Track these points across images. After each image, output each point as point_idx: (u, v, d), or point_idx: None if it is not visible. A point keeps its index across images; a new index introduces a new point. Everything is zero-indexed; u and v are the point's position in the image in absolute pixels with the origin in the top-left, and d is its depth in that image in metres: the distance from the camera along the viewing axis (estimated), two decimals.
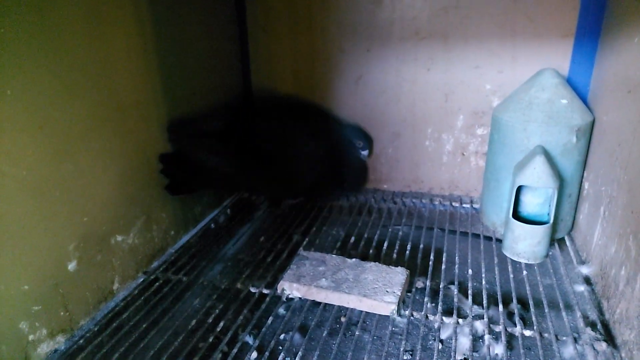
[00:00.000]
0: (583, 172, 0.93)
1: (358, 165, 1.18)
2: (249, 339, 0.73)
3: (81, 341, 0.70)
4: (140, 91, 0.82)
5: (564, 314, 0.74)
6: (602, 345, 0.66)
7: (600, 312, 0.75)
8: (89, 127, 0.71)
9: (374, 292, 0.75)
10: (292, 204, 1.16)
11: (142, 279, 0.85)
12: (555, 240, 0.95)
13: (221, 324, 0.73)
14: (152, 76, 0.85)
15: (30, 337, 0.63)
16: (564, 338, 0.69)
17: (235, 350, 0.68)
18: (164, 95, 0.88)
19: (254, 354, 0.69)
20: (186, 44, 0.95)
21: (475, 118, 1.10)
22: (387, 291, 0.75)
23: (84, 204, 0.71)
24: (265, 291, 0.81)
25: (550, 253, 0.91)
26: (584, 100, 0.94)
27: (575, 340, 0.68)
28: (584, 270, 0.85)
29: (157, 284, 0.84)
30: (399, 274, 0.79)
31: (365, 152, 1.15)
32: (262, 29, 1.17)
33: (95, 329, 0.72)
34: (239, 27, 1.17)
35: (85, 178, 0.71)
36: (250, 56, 1.20)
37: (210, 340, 0.70)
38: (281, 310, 0.79)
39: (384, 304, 0.73)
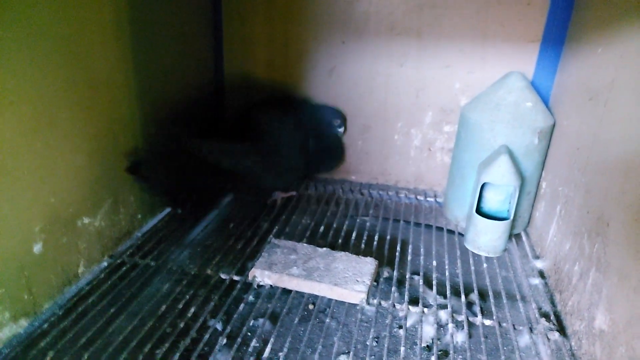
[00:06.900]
0: (541, 172, 0.98)
1: (335, 144, 1.24)
2: (219, 326, 0.73)
3: (45, 325, 0.68)
4: (112, 70, 0.79)
5: (520, 304, 0.79)
6: (555, 335, 0.71)
7: (553, 304, 0.80)
8: (60, 105, 0.68)
9: (345, 281, 0.77)
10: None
11: (107, 263, 0.83)
12: (512, 235, 1.00)
13: (191, 310, 0.73)
14: (125, 54, 0.82)
15: None
16: (521, 328, 0.73)
17: (206, 336, 0.68)
18: (135, 75, 0.86)
19: (224, 340, 0.69)
20: (160, 24, 0.93)
21: (443, 115, 1.14)
22: (357, 280, 0.77)
23: (52, 184, 0.69)
24: (235, 278, 0.82)
25: (508, 247, 0.96)
26: (545, 103, 0.99)
27: (531, 329, 0.73)
28: (539, 264, 0.90)
29: (124, 268, 0.82)
30: (368, 264, 0.82)
31: (341, 129, 1.20)
32: (238, 14, 1.15)
33: (60, 313, 0.70)
34: (214, 10, 1.14)
35: (53, 157, 0.68)
36: (224, 41, 1.18)
37: (181, 326, 0.70)
38: (251, 298, 0.80)
39: (354, 293, 0.75)
